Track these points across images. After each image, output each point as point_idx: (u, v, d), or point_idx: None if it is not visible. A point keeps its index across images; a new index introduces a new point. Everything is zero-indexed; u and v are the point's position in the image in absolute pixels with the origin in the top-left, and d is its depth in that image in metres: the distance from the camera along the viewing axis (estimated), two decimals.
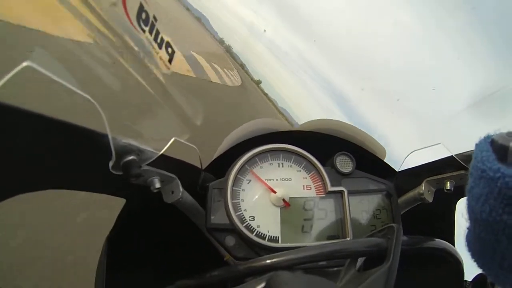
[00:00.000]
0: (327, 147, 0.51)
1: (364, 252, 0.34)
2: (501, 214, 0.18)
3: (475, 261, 0.23)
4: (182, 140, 0.34)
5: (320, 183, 0.48)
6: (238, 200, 0.44)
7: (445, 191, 0.43)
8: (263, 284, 0.22)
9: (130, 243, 0.43)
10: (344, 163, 0.51)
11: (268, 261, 0.32)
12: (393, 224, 0.34)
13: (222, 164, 0.48)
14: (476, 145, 0.22)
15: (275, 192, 0.45)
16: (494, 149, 0.20)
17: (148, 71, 0.35)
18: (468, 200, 0.22)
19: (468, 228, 0.23)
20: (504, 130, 0.21)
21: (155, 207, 0.37)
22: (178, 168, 0.37)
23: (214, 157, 0.50)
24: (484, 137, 0.21)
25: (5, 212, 1.16)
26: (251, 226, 0.43)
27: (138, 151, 0.30)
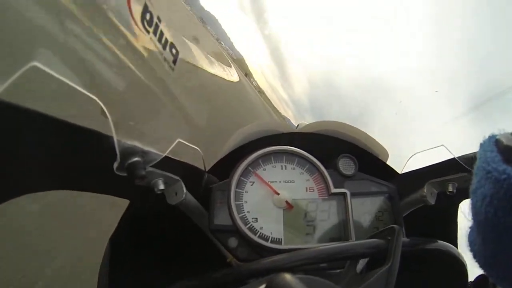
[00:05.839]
0: (330, 149, 0.52)
1: (364, 253, 0.33)
2: (506, 215, 0.18)
3: (477, 261, 0.23)
4: (186, 142, 0.34)
5: (322, 185, 0.48)
6: (241, 202, 0.44)
7: (448, 193, 0.43)
8: (263, 286, 0.22)
9: (133, 244, 0.43)
10: (347, 165, 0.51)
11: (269, 263, 0.32)
12: (394, 226, 0.34)
13: (226, 166, 0.48)
14: (481, 145, 0.21)
15: (278, 194, 0.45)
16: (499, 150, 0.19)
17: (153, 72, 0.35)
18: (472, 201, 0.21)
19: (470, 228, 0.23)
20: (507, 130, 0.21)
21: (158, 209, 0.37)
22: (181, 170, 0.37)
23: (218, 159, 0.50)
24: (489, 137, 0.21)
25: None
26: (254, 228, 0.43)
27: (143, 153, 0.30)
